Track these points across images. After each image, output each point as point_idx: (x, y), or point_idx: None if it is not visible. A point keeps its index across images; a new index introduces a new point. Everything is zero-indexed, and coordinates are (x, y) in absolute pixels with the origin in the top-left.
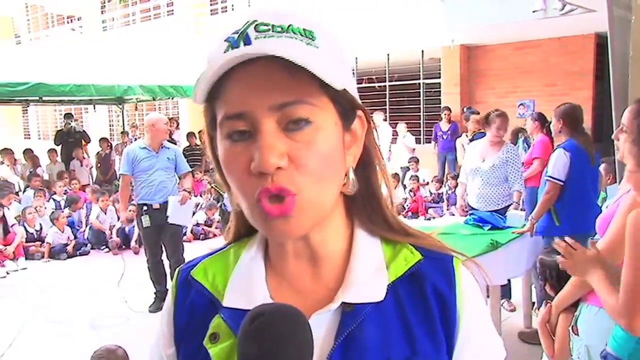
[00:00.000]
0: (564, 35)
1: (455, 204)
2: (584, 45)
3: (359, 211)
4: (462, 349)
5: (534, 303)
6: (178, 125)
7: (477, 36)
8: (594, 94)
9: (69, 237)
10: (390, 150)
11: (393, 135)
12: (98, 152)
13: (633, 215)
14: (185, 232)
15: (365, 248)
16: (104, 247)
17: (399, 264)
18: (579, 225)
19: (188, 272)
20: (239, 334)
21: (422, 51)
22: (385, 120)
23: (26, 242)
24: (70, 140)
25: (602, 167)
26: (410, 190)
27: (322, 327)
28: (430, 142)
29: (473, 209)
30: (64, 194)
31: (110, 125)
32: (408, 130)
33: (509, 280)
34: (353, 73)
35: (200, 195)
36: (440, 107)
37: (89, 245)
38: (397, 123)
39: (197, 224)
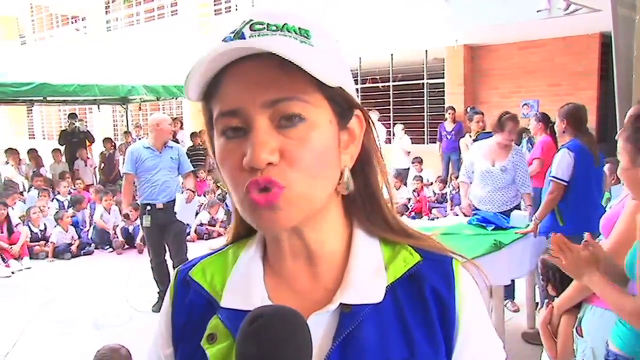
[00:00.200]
0: (568, 35)
1: (460, 203)
2: (589, 45)
3: (358, 211)
4: (461, 350)
5: (537, 303)
6: (182, 125)
7: (481, 36)
8: (598, 94)
9: (73, 237)
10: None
11: (388, 135)
12: (102, 152)
13: None
14: (189, 232)
15: (364, 249)
16: (108, 247)
17: (398, 265)
18: (583, 225)
19: (186, 272)
20: (238, 336)
21: (426, 51)
22: (379, 120)
23: (30, 241)
24: (74, 140)
25: (606, 168)
26: (414, 191)
27: (320, 328)
28: (434, 142)
29: (477, 209)
30: (68, 194)
31: (114, 125)
32: (406, 131)
33: (512, 281)
34: (356, 73)
35: (204, 195)
36: (444, 107)
37: (92, 245)
38: (395, 124)
39: (201, 224)
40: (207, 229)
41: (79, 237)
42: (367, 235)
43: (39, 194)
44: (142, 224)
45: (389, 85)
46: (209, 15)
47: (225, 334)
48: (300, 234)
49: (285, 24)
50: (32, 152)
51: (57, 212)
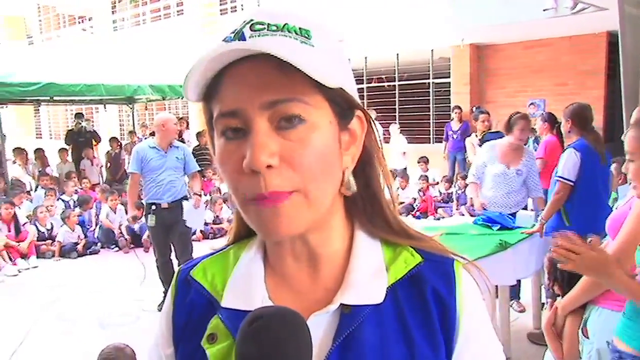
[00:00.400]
0: (574, 34)
1: (465, 203)
2: (596, 44)
3: (359, 212)
4: (461, 352)
5: (543, 304)
6: (188, 124)
7: (487, 35)
8: (605, 93)
9: (79, 236)
10: None
11: (385, 134)
12: (108, 152)
13: None
14: (195, 232)
15: (365, 250)
16: (114, 246)
17: (398, 267)
18: (590, 225)
19: (188, 272)
20: (238, 337)
21: (432, 50)
22: (376, 118)
23: (37, 240)
24: (80, 140)
25: (613, 167)
26: (420, 190)
27: (320, 328)
28: (440, 142)
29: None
30: (75, 193)
31: (120, 125)
32: (412, 131)
33: (518, 281)
34: (362, 72)
35: (210, 194)
36: (449, 106)
37: (99, 244)
38: (390, 123)
39: (206, 223)
40: (212, 228)
41: (85, 236)
42: (368, 236)
43: (45, 193)
44: (147, 223)
45: (394, 85)
46: (214, 15)
47: (225, 334)
48: (303, 238)
49: (285, 24)
50: (38, 152)
51: (63, 211)
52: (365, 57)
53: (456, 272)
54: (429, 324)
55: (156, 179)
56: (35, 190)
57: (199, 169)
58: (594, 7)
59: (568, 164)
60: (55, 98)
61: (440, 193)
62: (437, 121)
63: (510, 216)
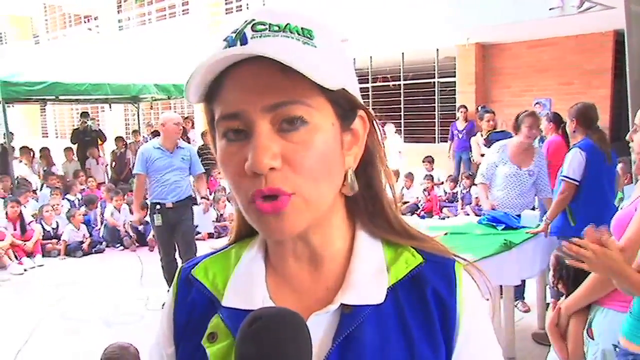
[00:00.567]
0: (580, 33)
1: (470, 203)
2: (602, 43)
3: (361, 212)
4: (460, 353)
5: (548, 304)
6: (193, 124)
7: (492, 34)
8: (612, 92)
9: (84, 235)
10: None
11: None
12: (113, 151)
13: None
14: (199, 231)
15: (366, 250)
16: (119, 244)
17: (399, 267)
18: (595, 225)
19: (189, 271)
20: (237, 337)
21: (437, 50)
22: (381, 118)
23: (43, 239)
24: (86, 139)
25: (619, 167)
26: (425, 190)
27: (321, 328)
28: (445, 142)
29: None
30: (81, 192)
31: (126, 124)
32: (417, 130)
33: (523, 281)
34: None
35: (214, 193)
36: (455, 106)
37: (104, 243)
38: (385, 123)
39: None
40: (216, 227)
41: (91, 235)
42: (370, 237)
43: (51, 192)
44: (152, 223)
45: (399, 84)
46: (220, 15)
47: (225, 334)
48: (304, 237)
49: (287, 24)
50: (44, 151)
51: (69, 210)
52: (370, 57)
53: (457, 273)
54: (429, 324)
55: (161, 179)
56: (41, 189)
57: (204, 170)
58: (600, 5)
59: (573, 163)
60: (60, 97)
61: (445, 192)
62: (442, 120)
63: (514, 216)
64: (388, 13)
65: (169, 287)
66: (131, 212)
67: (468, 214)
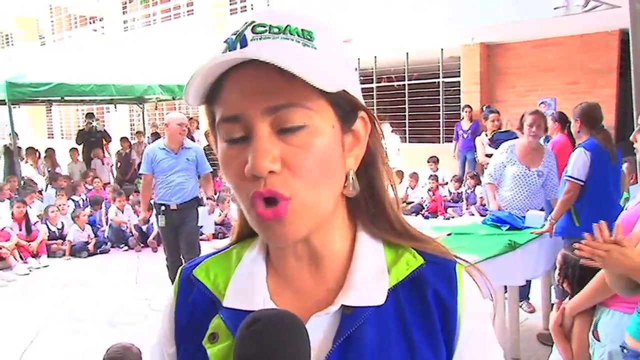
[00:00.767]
0: (586, 33)
1: (475, 203)
2: (608, 43)
3: (362, 213)
4: (461, 355)
5: (553, 304)
6: (198, 124)
7: (497, 34)
8: (617, 91)
9: (89, 235)
10: None
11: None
12: (118, 151)
13: None
14: (204, 232)
15: (367, 251)
16: (124, 245)
17: (400, 268)
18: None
19: (190, 271)
20: (236, 339)
21: (442, 50)
22: (385, 118)
23: (48, 239)
24: (91, 140)
25: (624, 167)
26: (429, 190)
27: (321, 329)
28: (450, 142)
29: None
30: (86, 192)
31: (131, 125)
32: (422, 131)
33: (528, 282)
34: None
35: (219, 193)
36: (459, 106)
37: (109, 243)
38: (382, 123)
39: (215, 223)
40: (220, 227)
41: (96, 235)
42: (371, 238)
43: (56, 193)
44: (157, 224)
45: (404, 84)
46: (224, 15)
47: (226, 334)
48: (305, 239)
49: (288, 26)
50: (48, 152)
51: (74, 210)
52: (375, 57)
53: (458, 274)
54: (429, 326)
55: (165, 180)
56: (46, 189)
57: (211, 170)
58: (606, 5)
59: (578, 163)
60: (66, 98)
61: (450, 193)
62: (447, 120)
63: (519, 216)
64: (392, 13)
65: None
66: (136, 212)
67: (473, 214)
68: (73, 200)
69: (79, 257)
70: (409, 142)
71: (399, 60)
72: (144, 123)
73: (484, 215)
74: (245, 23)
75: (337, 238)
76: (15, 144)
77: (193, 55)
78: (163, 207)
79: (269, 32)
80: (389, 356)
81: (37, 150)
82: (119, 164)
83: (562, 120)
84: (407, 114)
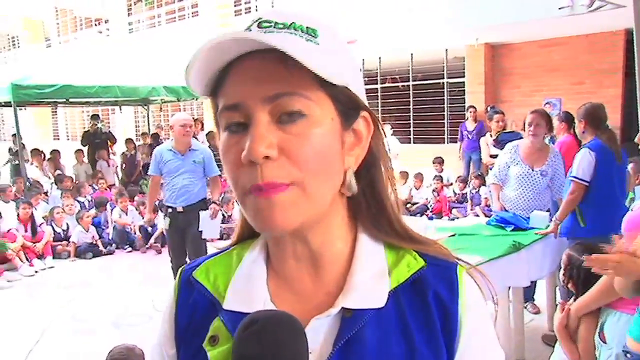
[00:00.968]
0: (591, 32)
1: (480, 204)
2: (613, 42)
3: (363, 215)
4: (462, 357)
5: (558, 305)
6: (203, 126)
7: (501, 34)
8: (623, 91)
9: (93, 237)
10: None
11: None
12: (123, 153)
13: None
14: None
15: (367, 253)
16: (128, 246)
17: (401, 270)
18: (605, 226)
19: (190, 273)
20: (234, 340)
21: (446, 50)
22: (390, 119)
23: (53, 241)
24: (96, 141)
25: (630, 167)
26: (434, 191)
27: (321, 332)
28: (454, 142)
29: (505, 211)
30: (92, 193)
31: (136, 126)
32: (427, 131)
33: (533, 282)
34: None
35: (223, 194)
36: (464, 106)
37: (113, 245)
38: (384, 123)
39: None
40: (225, 228)
41: (100, 237)
42: (372, 240)
43: (62, 194)
44: (163, 226)
45: (408, 85)
46: (229, 17)
47: (226, 337)
48: (304, 238)
49: (292, 23)
50: (53, 154)
51: (78, 211)
52: (379, 57)
53: (459, 277)
54: (430, 328)
55: (171, 182)
56: (51, 190)
57: (219, 173)
58: (611, 4)
59: (583, 163)
60: (71, 100)
61: (455, 193)
62: (451, 121)
63: (523, 217)
64: (397, 14)
65: None
66: (140, 214)
67: (477, 215)
68: (78, 201)
69: (84, 259)
70: (414, 142)
71: (404, 61)
72: (148, 124)
73: (489, 216)
74: (252, 20)
75: (337, 239)
76: (20, 146)
77: None
78: (170, 210)
79: (274, 27)
80: (389, 358)
81: (42, 152)
82: (124, 165)
83: (569, 120)
84: (411, 114)
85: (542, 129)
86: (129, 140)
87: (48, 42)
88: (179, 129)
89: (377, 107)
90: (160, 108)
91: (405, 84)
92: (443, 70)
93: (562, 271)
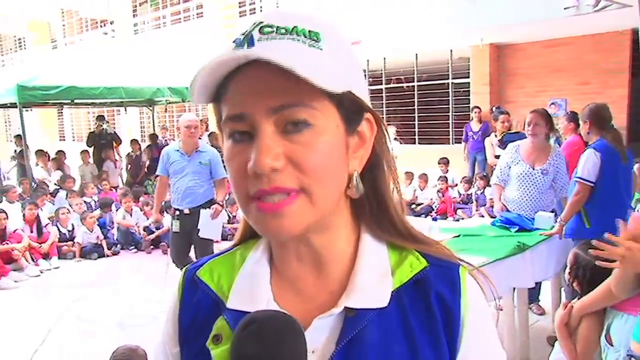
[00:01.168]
0: (597, 32)
1: (485, 204)
2: (619, 42)
3: (366, 215)
4: (464, 358)
5: None
6: (207, 127)
7: (506, 35)
8: (629, 91)
9: (98, 237)
10: None
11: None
12: (129, 154)
13: None
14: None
15: (370, 253)
16: (133, 247)
17: (404, 271)
18: (610, 227)
19: (194, 272)
20: (233, 340)
21: (451, 51)
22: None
23: (59, 241)
24: (102, 142)
25: (636, 168)
26: (439, 191)
27: (324, 331)
28: (459, 143)
29: (508, 211)
30: (97, 193)
31: (141, 127)
32: (431, 132)
33: (538, 284)
34: (381, 73)
35: (228, 195)
36: (469, 107)
37: (118, 245)
38: (389, 125)
39: (222, 225)
40: (229, 229)
41: (105, 237)
42: (375, 240)
43: (67, 195)
44: (171, 228)
45: (413, 86)
46: (233, 17)
47: (229, 336)
48: (307, 239)
49: (295, 27)
50: (58, 154)
51: (83, 212)
52: (384, 58)
53: (461, 277)
54: (432, 328)
55: (176, 184)
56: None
57: (225, 175)
58: (617, 4)
59: (588, 164)
60: (76, 101)
61: (460, 194)
62: (456, 122)
63: (528, 218)
64: (401, 14)
65: None
66: (145, 214)
67: (482, 216)
68: (85, 202)
69: (90, 259)
70: (419, 143)
71: (408, 61)
72: (154, 125)
73: (494, 217)
74: (254, 24)
75: (340, 239)
76: (25, 147)
77: (202, 57)
78: (178, 212)
79: (276, 33)
80: (391, 358)
81: (47, 152)
82: (129, 166)
83: (576, 120)
84: (416, 115)
85: (541, 128)
86: (134, 141)
87: (54, 43)
88: (184, 130)
89: (382, 107)
90: (165, 109)
91: (410, 84)
92: (448, 71)
93: (567, 270)
